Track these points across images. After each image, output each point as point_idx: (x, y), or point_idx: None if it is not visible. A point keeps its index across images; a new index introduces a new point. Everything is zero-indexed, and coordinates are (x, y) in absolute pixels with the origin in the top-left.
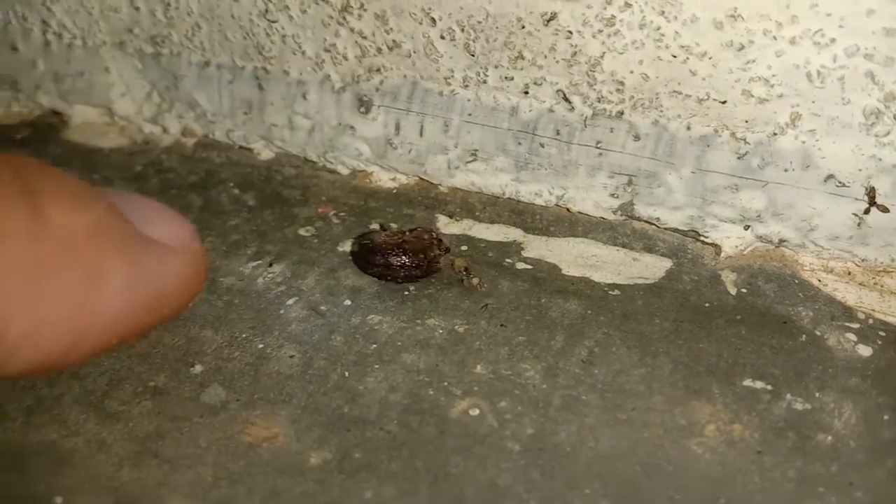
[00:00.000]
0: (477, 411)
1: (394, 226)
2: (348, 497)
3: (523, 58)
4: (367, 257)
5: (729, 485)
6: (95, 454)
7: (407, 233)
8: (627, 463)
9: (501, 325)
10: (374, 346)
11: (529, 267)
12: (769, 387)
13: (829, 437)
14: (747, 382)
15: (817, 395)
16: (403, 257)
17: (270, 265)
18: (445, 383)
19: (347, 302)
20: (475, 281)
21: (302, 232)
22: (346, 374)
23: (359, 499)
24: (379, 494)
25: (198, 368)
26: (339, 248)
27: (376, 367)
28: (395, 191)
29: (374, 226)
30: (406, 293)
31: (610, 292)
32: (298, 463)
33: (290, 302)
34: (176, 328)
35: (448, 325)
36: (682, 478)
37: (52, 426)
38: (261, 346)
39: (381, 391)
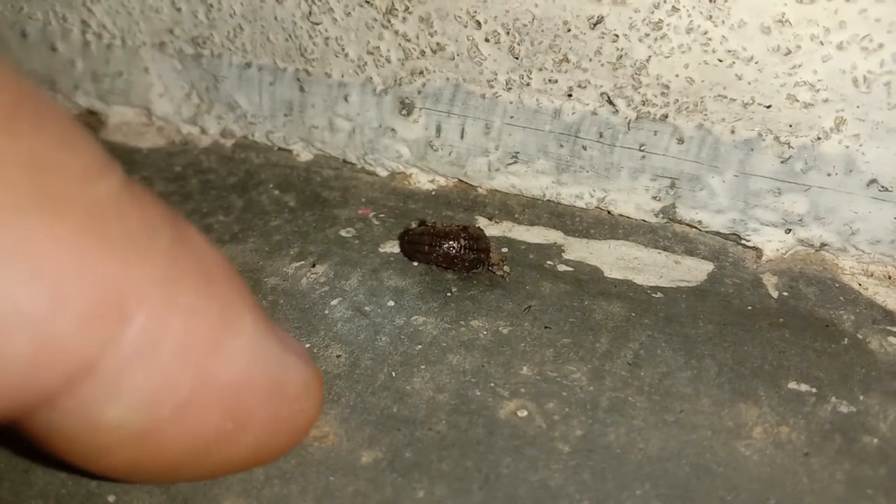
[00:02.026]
0: (525, 412)
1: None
2: (401, 496)
3: (568, 61)
4: (434, 242)
5: (778, 486)
6: None
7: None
8: (677, 464)
9: (545, 327)
10: (420, 346)
11: (571, 269)
12: (814, 389)
13: (875, 440)
14: (792, 385)
15: (861, 398)
16: (467, 240)
17: (313, 266)
18: (492, 384)
19: (391, 303)
20: (506, 268)
21: (343, 233)
22: (393, 374)
23: (412, 498)
24: (432, 494)
25: None
26: (381, 250)
27: (423, 367)
28: (433, 192)
29: (413, 224)
30: (448, 294)
31: (653, 295)
32: (350, 462)
33: (334, 302)
34: None
35: (492, 327)
36: (732, 479)
37: None
38: (307, 345)
39: (428, 391)
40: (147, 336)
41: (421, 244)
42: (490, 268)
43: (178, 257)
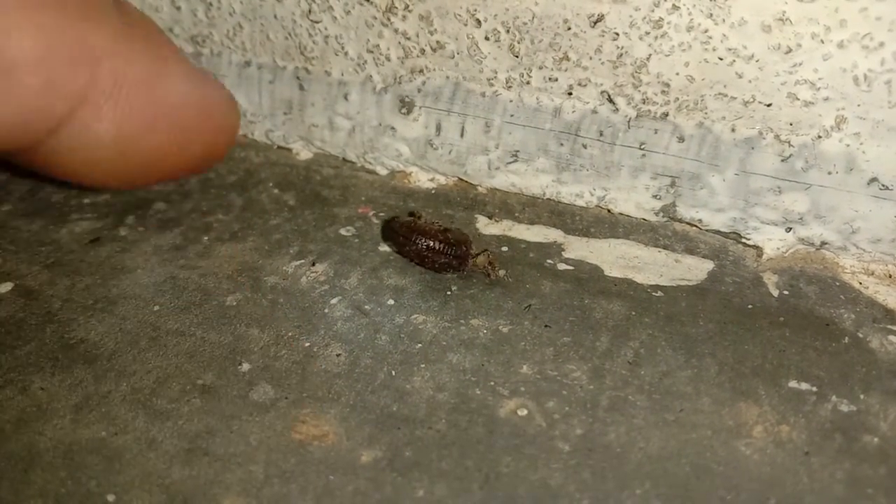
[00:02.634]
0: (525, 411)
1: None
2: (401, 495)
3: (568, 59)
4: (410, 236)
5: (779, 485)
6: (146, 452)
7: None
8: (678, 464)
9: (545, 326)
10: (420, 345)
11: (571, 268)
12: (814, 388)
13: (876, 439)
14: (793, 384)
15: (862, 396)
16: (442, 244)
17: (313, 264)
18: (492, 383)
19: (391, 302)
20: (501, 272)
21: (343, 232)
22: (393, 373)
23: (412, 497)
24: (431, 493)
25: (245, 367)
26: (381, 248)
27: (422, 366)
28: (433, 191)
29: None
30: (448, 293)
31: (653, 294)
32: (350, 461)
33: (333, 301)
34: (222, 326)
35: (492, 326)
36: (733, 478)
37: (101, 424)
38: (307, 344)
39: (428, 390)
40: (112, 76)
41: (398, 234)
42: (488, 276)
43: (124, 22)
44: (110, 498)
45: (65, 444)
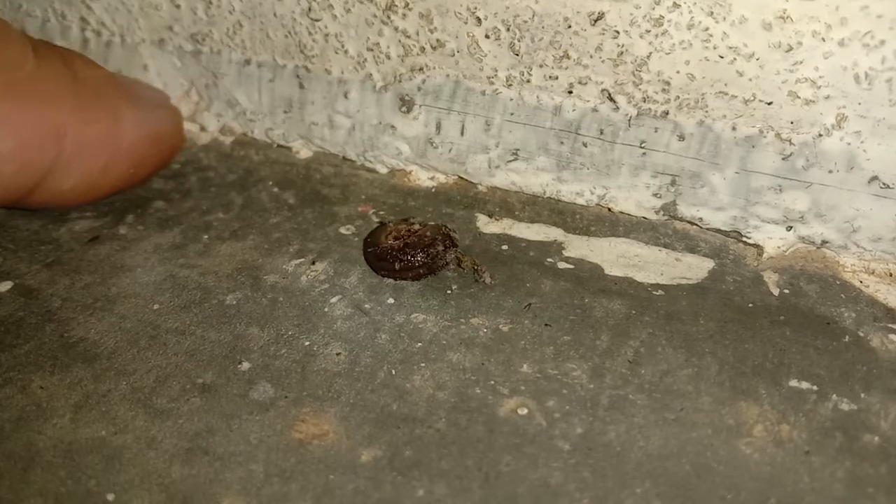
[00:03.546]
0: (525, 410)
1: (391, 219)
2: (401, 495)
3: (569, 57)
4: (374, 263)
5: (779, 485)
6: (146, 451)
7: (414, 225)
8: (678, 463)
9: (546, 325)
10: (420, 344)
11: (571, 266)
12: (815, 387)
13: (877, 438)
14: (793, 383)
15: (863, 395)
16: (408, 257)
17: (313, 263)
18: (492, 382)
19: (391, 300)
20: (487, 279)
21: (343, 230)
22: (393, 371)
23: (411, 497)
24: (431, 492)
25: (245, 365)
26: None
27: (422, 365)
28: (433, 190)
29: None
30: (448, 292)
31: (654, 292)
32: (350, 460)
33: (333, 300)
34: (222, 325)
35: (492, 325)
36: (733, 478)
37: (101, 423)
38: (307, 343)
39: (428, 389)
40: (75, 144)
41: (376, 234)
42: (476, 280)
43: (78, 90)
44: (110, 497)
45: (64, 444)
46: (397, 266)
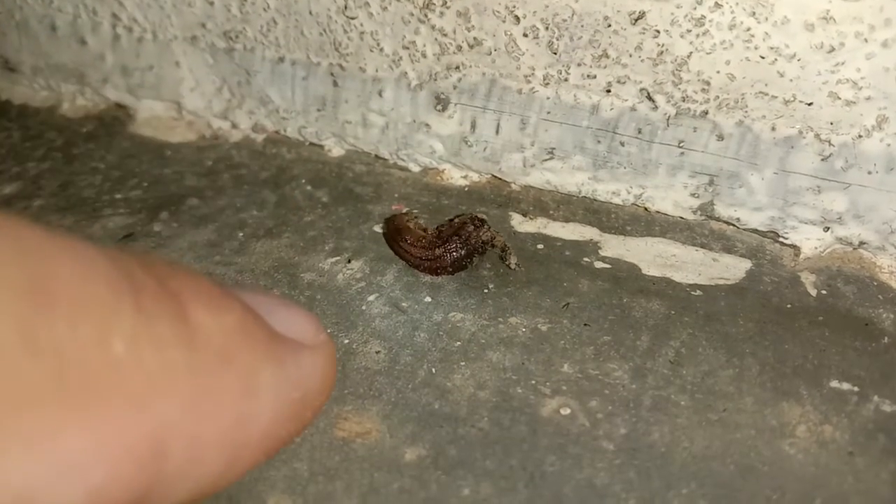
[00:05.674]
0: (568, 410)
1: (415, 211)
2: (447, 494)
3: (608, 56)
4: (411, 262)
5: (824, 485)
6: None
7: (429, 229)
8: (722, 463)
9: (585, 325)
10: (459, 343)
11: (608, 266)
12: (856, 388)
13: None
14: (834, 384)
15: None
16: (446, 246)
17: (349, 261)
18: (533, 382)
19: (428, 299)
20: (512, 262)
21: (377, 229)
22: (433, 370)
23: (457, 496)
24: (477, 492)
25: None
26: None
27: (462, 364)
28: (466, 188)
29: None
30: (486, 291)
31: (692, 293)
32: (394, 459)
33: (371, 298)
34: None
35: (531, 324)
36: (778, 478)
37: None
38: (346, 341)
39: (469, 388)
40: (183, 453)
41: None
42: (503, 260)
43: (195, 365)
44: None
45: None
46: (438, 252)
